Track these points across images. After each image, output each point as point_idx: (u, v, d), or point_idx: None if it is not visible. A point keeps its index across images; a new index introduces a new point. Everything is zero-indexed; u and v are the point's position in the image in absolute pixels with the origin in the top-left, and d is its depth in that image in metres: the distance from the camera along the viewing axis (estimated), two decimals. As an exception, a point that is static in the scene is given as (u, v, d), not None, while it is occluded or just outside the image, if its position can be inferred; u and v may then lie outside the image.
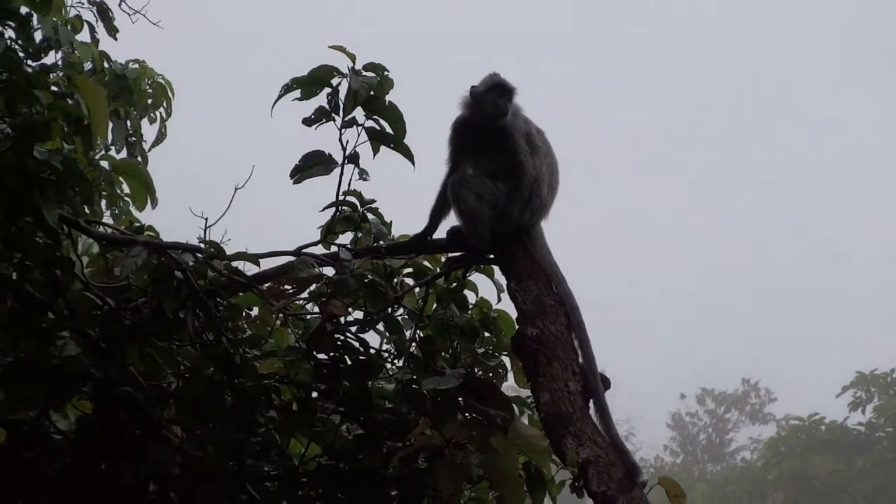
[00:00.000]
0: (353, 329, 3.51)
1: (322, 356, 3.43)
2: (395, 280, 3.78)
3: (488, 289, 3.99)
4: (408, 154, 3.69)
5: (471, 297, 3.90)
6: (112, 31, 5.73)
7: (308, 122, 3.63)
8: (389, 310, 3.65)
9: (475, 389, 3.46)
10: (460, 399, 3.45)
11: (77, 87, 3.99)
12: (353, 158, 3.64)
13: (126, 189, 4.49)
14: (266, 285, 3.66)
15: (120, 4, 6.06)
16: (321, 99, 3.61)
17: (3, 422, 3.27)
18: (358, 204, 3.80)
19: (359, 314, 3.57)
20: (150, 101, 6.14)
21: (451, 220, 4.05)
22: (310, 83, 3.60)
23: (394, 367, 3.79)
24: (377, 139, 3.66)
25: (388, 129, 3.65)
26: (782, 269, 48.40)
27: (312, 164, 3.65)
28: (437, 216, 4.10)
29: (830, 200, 55.63)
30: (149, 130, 6.22)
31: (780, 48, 67.87)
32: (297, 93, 3.60)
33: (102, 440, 3.31)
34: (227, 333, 3.41)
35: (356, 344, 3.50)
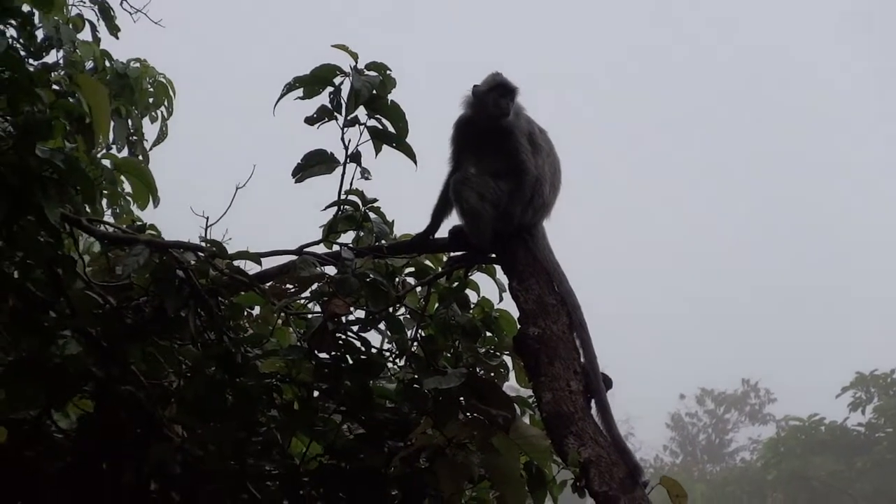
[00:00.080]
0: (355, 328, 3.51)
1: (323, 355, 3.43)
2: (397, 279, 3.77)
3: (490, 288, 4.00)
4: (410, 153, 3.69)
5: (472, 297, 3.90)
6: (114, 30, 5.73)
7: (310, 120, 3.63)
8: (391, 309, 3.65)
9: (477, 389, 3.46)
10: (462, 399, 3.45)
11: (79, 85, 3.99)
12: (356, 157, 3.65)
13: (128, 188, 4.48)
14: (268, 284, 3.66)
15: (121, 3, 6.05)
16: (323, 98, 3.63)
17: (4, 420, 3.28)
18: (360, 203, 3.81)
19: (360, 313, 3.57)
20: (151, 100, 6.14)
21: (453, 220, 4.06)
22: (312, 82, 3.60)
23: (395, 366, 3.79)
24: (379, 138, 3.66)
25: (391, 128, 3.65)
26: (782, 269, 48.34)
27: (314, 163, 3.65)
28: (439, 215, 4.10)
29: (830, 200, 55.62)
30: (150, 129, 6.24)
31: (780, 48, 67.85)
32: (299, 91, 3.61)
33: (104, 439, 3.31)
34: (228, 332, 3.41)
35: (358, 343, 3.51)
